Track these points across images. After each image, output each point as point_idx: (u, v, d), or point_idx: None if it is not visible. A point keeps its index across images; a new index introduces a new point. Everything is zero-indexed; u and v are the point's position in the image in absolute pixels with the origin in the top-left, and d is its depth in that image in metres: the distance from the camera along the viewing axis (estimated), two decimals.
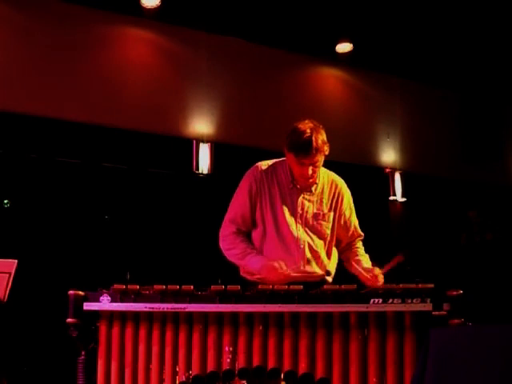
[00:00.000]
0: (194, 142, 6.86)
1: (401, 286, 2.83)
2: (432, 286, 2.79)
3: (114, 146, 6.43)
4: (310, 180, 3.32)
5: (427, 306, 2.74)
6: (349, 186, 3.51)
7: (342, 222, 3.46)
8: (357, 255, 3.46)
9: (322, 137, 3.26)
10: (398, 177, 8.13)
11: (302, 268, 3.30)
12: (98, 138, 6.34)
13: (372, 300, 2.78)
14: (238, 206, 3.41)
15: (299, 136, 3.24)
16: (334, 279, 3.40)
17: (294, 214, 3.35)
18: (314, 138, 3.21)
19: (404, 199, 8.12)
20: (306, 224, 3.35)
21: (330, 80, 7.91)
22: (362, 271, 3.25)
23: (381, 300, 2.77)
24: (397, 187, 8.10)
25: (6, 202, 5.82)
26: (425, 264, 6.95)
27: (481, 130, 8.45)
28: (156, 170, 6.63)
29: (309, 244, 3.34)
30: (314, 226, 3.36)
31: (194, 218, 6.52)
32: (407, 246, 6.78)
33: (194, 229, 6.43)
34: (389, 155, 8.12)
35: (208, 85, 6.95)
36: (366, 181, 7.45)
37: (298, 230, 3.33)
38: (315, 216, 3.37)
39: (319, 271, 3.35)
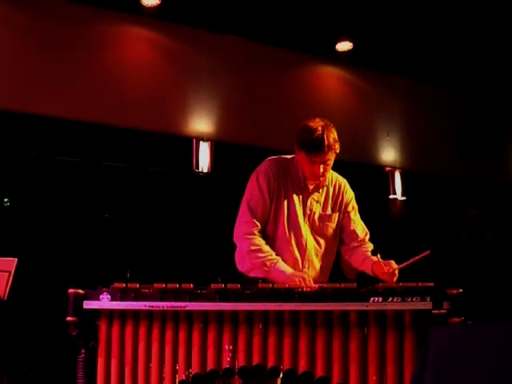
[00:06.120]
0: (194, 140, 6.84)
1: (401, 284, 2.83)
2: (432, 284, 2.79)
3: (113, 144, 6.42)
4: (321, 179, 3.32)
5: (427, 305, 2.73)
6: (349, 185, 3.52)
7: (347, 221, 3.45)
8: (367, 251, 3.38)
9: (333, 135, 3.26)
10: (397, 175, 8.12)
11: (305, 268, 3.32)
12: (97, 136, 6.33)
13: (372, 298, 2.77)
14: (257, 202, 3.30)
15: (311, 134, 3.23)
16: (333, 278, 3.38)
17: (303, 213, 3.37)
18: (325, 136, 3.21)
19: (404, 198, 8.11)
20: (312, 225, 3.38)
21: (330, 78, 7.90)
22: (382, 263, 3.20)
23: (381, 298, 2.77)
24: (397, 186, 8.09)
25: (5, 200, 5.82)
26: (425, 263, 6.94)
27: (481, 129, 8.44)
28: (156, 169, 6.62)
29: (314, 245, 3.37)
30: (320, 227, 3.38)
31: (193, 217, 6.52)
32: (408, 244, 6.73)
33: (193, 227, 6.43)
34: (389, 154, 8.11)
35: (208, 83, 6.95)
36: (366, 179, 7.43)
37: (305, 231, 3.35)
38: (321, 217, 3.39)
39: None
